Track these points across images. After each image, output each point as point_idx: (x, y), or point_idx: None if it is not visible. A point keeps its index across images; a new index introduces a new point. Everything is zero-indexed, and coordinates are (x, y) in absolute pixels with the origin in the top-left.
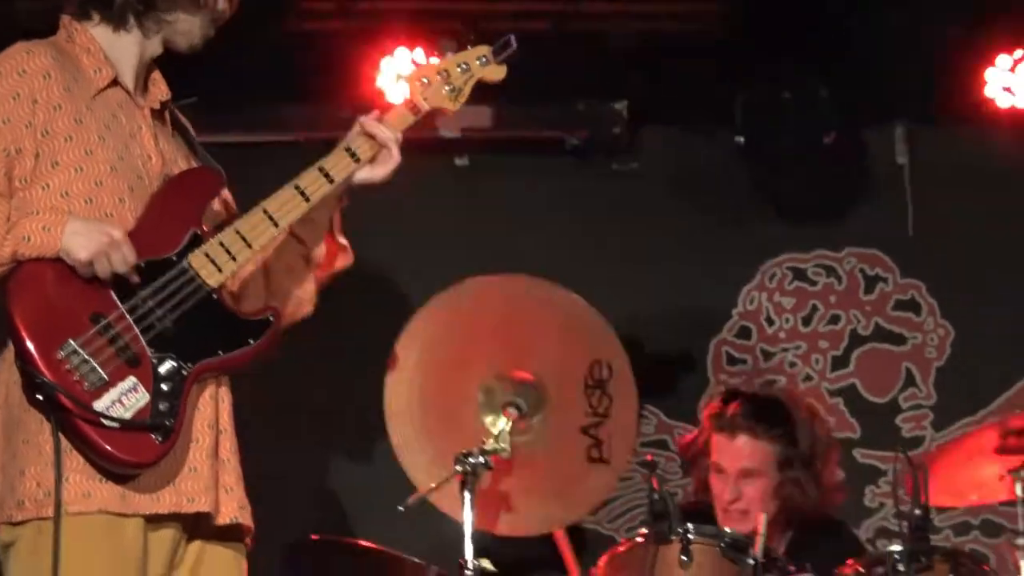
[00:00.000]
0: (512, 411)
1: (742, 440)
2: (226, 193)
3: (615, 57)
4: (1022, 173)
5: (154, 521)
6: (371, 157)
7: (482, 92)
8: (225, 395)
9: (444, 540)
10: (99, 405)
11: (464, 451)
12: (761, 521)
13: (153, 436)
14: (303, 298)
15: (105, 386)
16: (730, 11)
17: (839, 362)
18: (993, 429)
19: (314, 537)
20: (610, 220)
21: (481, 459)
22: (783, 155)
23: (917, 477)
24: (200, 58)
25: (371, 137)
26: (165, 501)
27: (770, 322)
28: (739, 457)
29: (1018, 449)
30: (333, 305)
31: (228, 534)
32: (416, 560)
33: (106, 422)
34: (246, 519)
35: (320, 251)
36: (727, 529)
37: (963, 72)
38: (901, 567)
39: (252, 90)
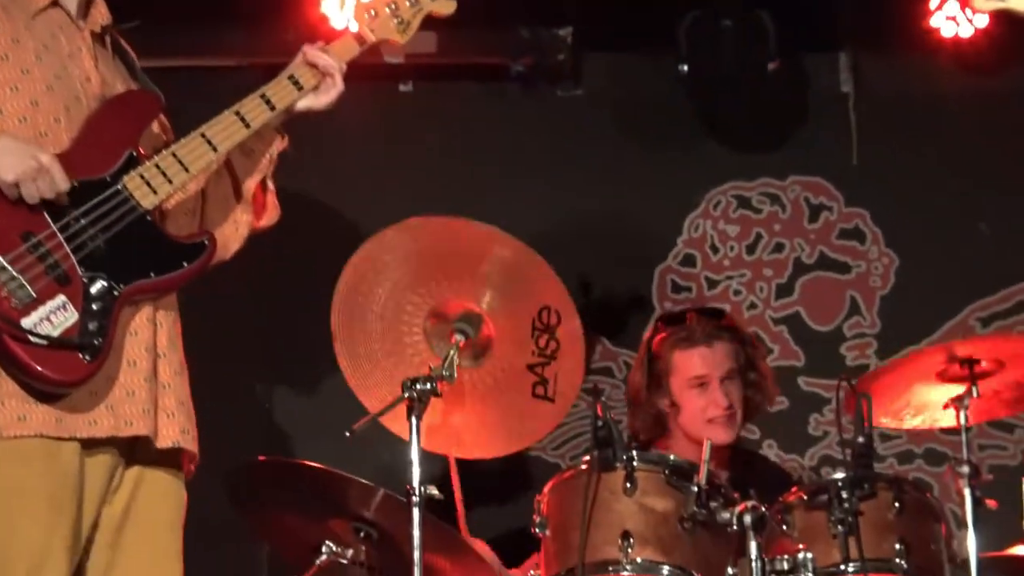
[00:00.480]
0: (459, 337)
1: (718, 346)
2: (163, 118)
3: None
4: (965, 101)
5: (91, 446)
6: (314, 86)
7: (427, 19)
8: (164, 319)
9: (393, 466)
10: (27, 322)
11: (412, 377)
12: (705, 448)
13: (81, 355)
14: (229, 235)
15: (34, 303)
16: None
17: (783, 290)
18: (938, 352)
19: (261, 458)
20: (554, 147)
21: (428, 385)
22: (727, 83)
23: (861, 405)
24: None
25: (314, 66)
26: (102, 425)
27: (715, 250)
28: (722, 362)
29: (961, 378)
30: (281, 232)
31: (168, 459)
32: (364, 482)
33: (33, 339)
34: (188, 444)
35: (252, 184)
36: (671, 456)
37: (908, 1)
38: (844, 494)
39: (195, 14)
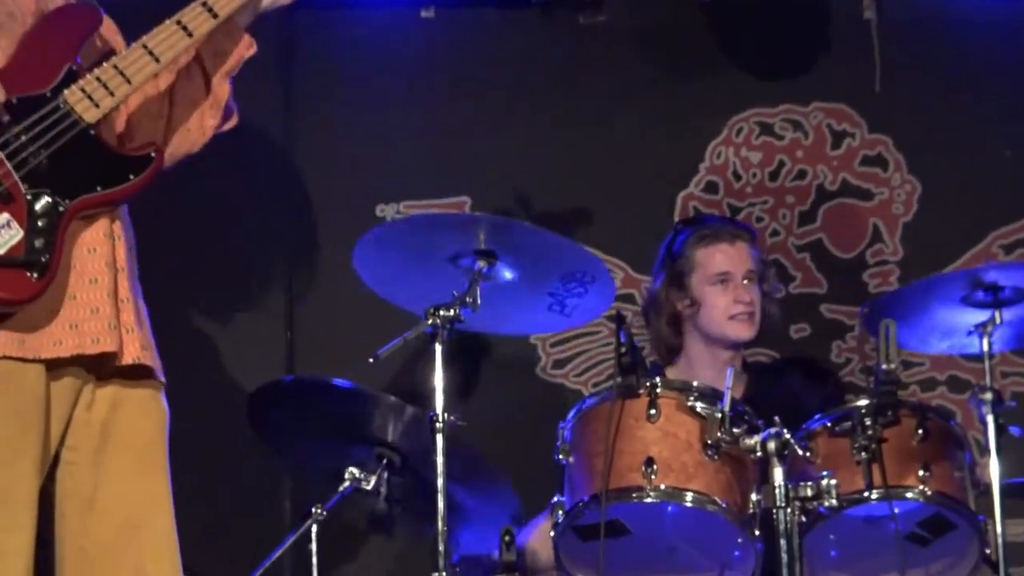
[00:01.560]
0: (481, 263)
1: (740, 245)
2: (113, 33)
3: None
4: (989, 27)
5: (55, 367)
6: None
7: None
8: (121, 232)
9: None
10: None
11: (435, 305)
12: (729, 375)
13: (28, 273)
14: (195, 135)
15: None
16: None
17: (806, 217)
18: (961, 278)
19: (288, 377)
20: (576, 74)
21: (451, 311)
22: (749, 9)
23: (884, 331)
24: None
25: None
26: (67, 344)
27: (737, 177)
28: (745, 259)
29: (985, 304)
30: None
31: (140, 375)
32: (393, 398)
33: None
34: (148, 360)
35: (223, 85)
36: (695, 382)
37: None
38: (868, 421)
39: None
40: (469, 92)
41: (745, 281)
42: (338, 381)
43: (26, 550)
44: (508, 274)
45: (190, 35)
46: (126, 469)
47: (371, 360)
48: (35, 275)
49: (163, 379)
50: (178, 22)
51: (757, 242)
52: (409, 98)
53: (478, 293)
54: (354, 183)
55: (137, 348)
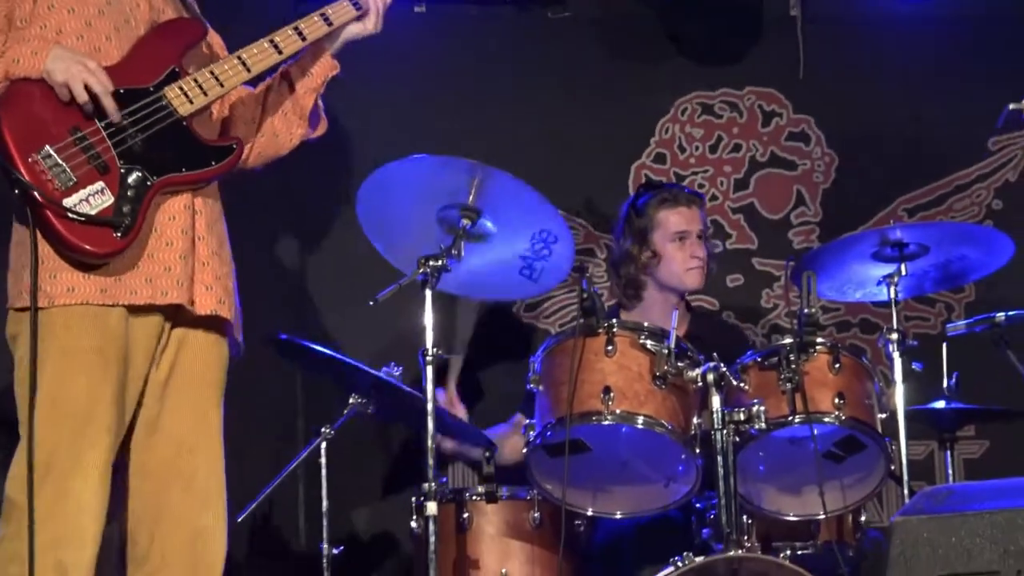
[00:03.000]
0: (465, 222)
1: (694, 209)
2: (218, 43)
3: None
4: (896, 23)
5: (136, 312)
6: (346, 22)
7: None
8: (203, 207)
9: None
10: (67, 202)
11: (426, 255)
12: (674, 316)
13: (114, 232)
14: (283, 140)
15: (75, 187)
16: None
17: (740, 184)
18: (872, 236)
19: (282, 336)
20: (544, 62)
21: (439, 261)
22: (693, 6)
23: (805, 281)
24: None
25: (355, 3)
26: (141, 294)
27: (682, 149)
28: (697, 221)
29: (892, 259)
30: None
31: (208, 325)
32: (365, 367)
33: (71, 216)
34: (224, 312)
35: (307, 101)
36: (645, 323)
37: None
38: (792, 357)
39: None
40: (453, 75)
41: (698, 239)
42: (319, 348)
43: (103, 465)
44: (490, 225)
45: (280, 52)
46: (184, 400)
47: (371, 303)
48: (119, 234)
49: (238, 335)
50: (271, 40)
51: (704, 206)
52: (401, 81)
53: (462, 246)
54: (353, 151)
55: (213, 302)
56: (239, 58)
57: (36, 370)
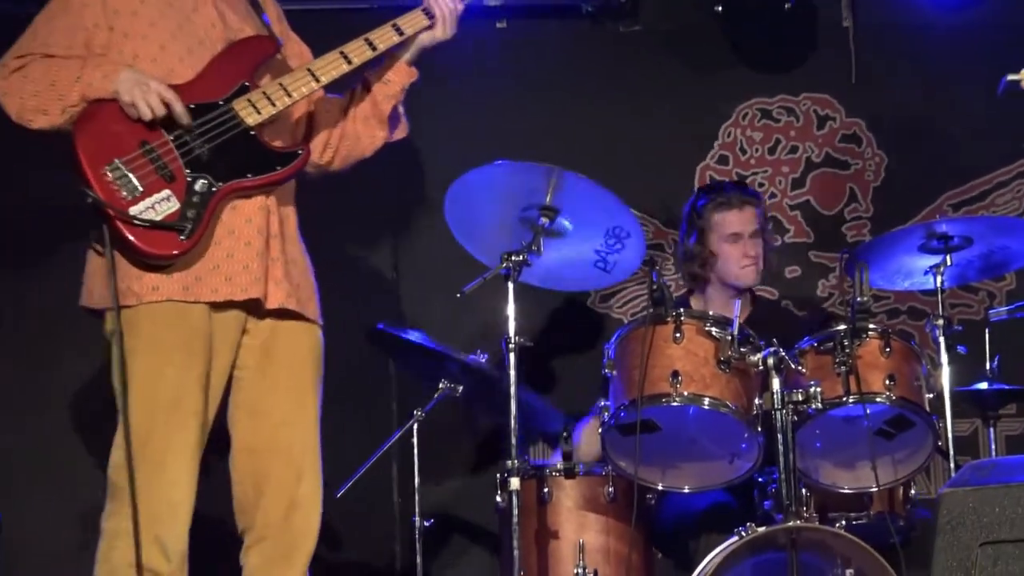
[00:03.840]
0: (544, 220)
1: (748, 210)
2: (299, 52)
3: None
4: (940, 32)
5: (219, 308)
6: (416, 32)
7: None
8: (276, 207)
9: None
10: (133, 210)
11: (509, 250)
12: (736, 305)
13: (179, 235)
14: (365, 143)
15: (142, 195)
16: None
17: (797, 183)
18: (920, 230)
19: (379, 326)
20: (618, 71)
21: (521, 256)
22: (753, 19)
23: (859, 272)
24: None
25: (427, 12)
26: (221, 291)
27: (743, 152)
28: (751, 221)
29: (937, 250)
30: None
31: (292, 314)
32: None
33: (137, 222)
34: (292, 305)
35: (387, 107)
36: (710, 312)
37: None
38: (845, 342)
39: None
40: (532, 86)
41: (751, 238)
42: (413, 337)
43: (191, 448)
44: (567, 223)
45: (349, 63)
46: (282, 380)
47: (459, 295)
48: (183, 237)
49: (317, 320)
50: (341, 52)
51: (761, 204)
52: (484, 91)
53: (541, 242)
54: (441, 156)
55: (282, 296)
56: (308, 70)
57: (125, 363)
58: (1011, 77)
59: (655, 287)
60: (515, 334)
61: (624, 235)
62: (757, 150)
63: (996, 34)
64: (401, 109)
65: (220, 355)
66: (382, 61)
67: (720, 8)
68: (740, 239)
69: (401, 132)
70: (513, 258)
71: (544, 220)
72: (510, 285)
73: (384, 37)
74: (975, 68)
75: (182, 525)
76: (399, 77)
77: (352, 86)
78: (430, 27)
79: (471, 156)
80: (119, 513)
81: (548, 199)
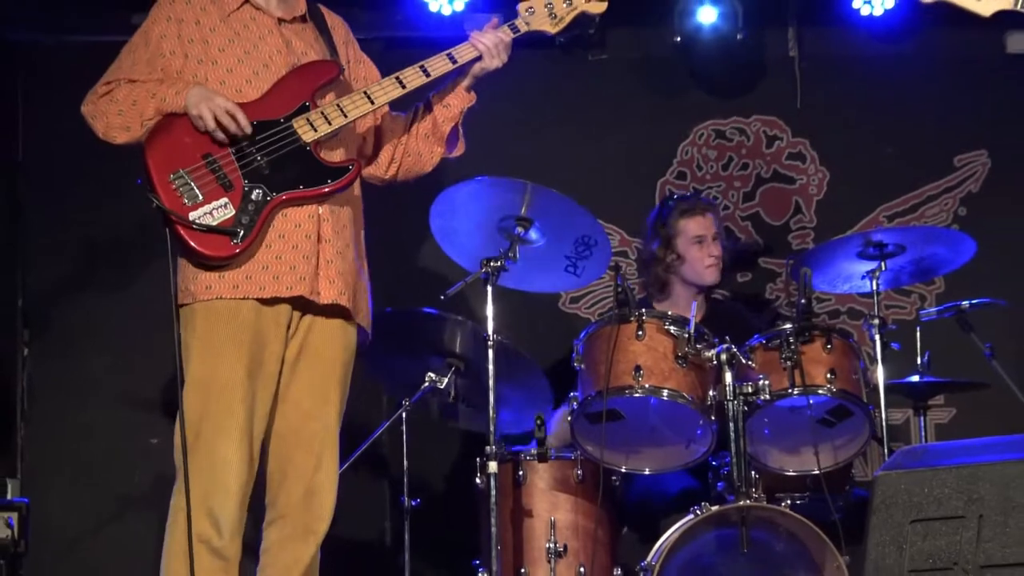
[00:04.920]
0: (519, 229)
1: (709, 216)
2: (365, 75)
3: None
4: (875, 61)
5: (267, 303)
6: (469, 60)
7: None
8: (330, 215)
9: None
10: (192, 215)
11: (487, 256)
12: (693, 307)
13: (231, 239)
14: (426, 159)
15: (201, 202)
16: None
17: (748, 196)
18: (858, 238)
19: (388, 310)
20: (587, 95)
21: (499, 262)
22: (709, 48)
23: (803, 276)
24: None
25: (475, 47)
26: (268, 289)
27: (699, 168)
28: (712, 226)
29: (874, 257)
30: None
31: (335, 313)
32: (458, 318)
33: (195, 226)
34: (344, 302)
35: (446, 128)
36: (669, 312)
37: None
38: (791, 340)
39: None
40: (510, 108)
41: (714, 241)
42: (426, 309)
43: (241, 430)
44: (535, 236)
45: (403, 87)
46: (309, 376)
47: (442, 297)
48: (236, 241)
49: (363, 324)
50: (396, 77)
51: (718, 212)
52: (467, 116)
53: (517, 250)
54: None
55: (334, 294)
56: (365, 92)
57: (182, 357)
58: None
59: (620, 290)
60: (493, 332)
61: (592, 243)
62: (712, 167)
63: (924, 64)
64: (460, 129)
65: (269, 346)
66: (444, 84)
67: (679, 39)
68: (704, 241)
69: (459, 150)
70: (492, 263)
71: (520, 229)
72: (489, 288)
73: (438, 66)
74: (907, 94)
75: (233, 502)
76: (458, 101)
77: (416, 106)
78: (480, 58)
79: (454, 172)
80: (180, 491)
81: (523, 211)
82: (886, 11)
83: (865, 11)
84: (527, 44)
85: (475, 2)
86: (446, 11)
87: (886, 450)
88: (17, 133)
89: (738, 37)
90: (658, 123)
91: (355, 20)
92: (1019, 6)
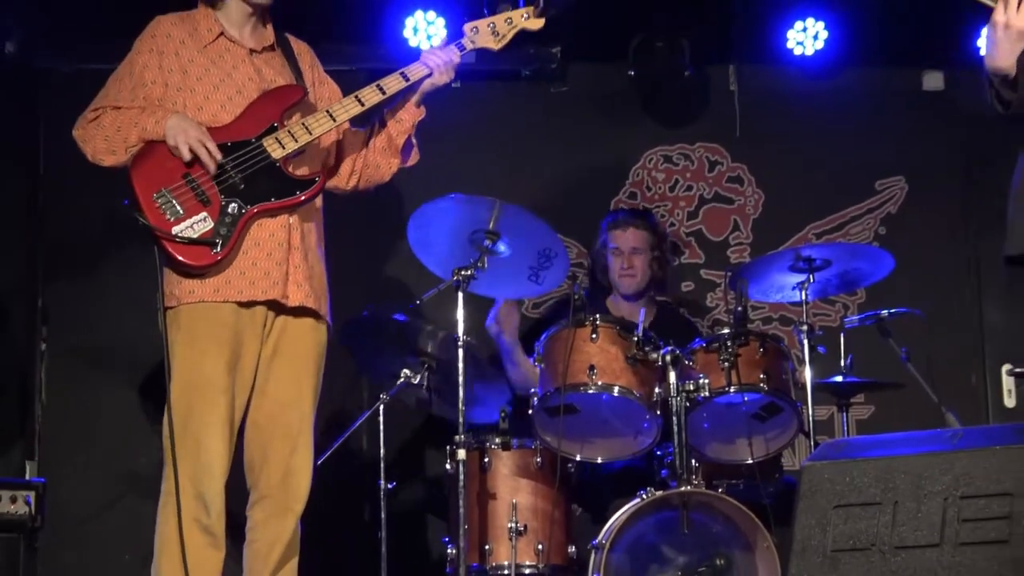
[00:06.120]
0: (487, 242)
1: (631, 231)
2: (328, 94)
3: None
4: (806, 95)
5: (244, 306)
6: (420, 78)
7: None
8: (298, 225)
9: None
10: (175, 229)
11: (459, 266)
12: (641, 313)
13: (211, 249)
14: (384, 170)
15: (182, 217)
16: None
17: (692, 215)
18: (789, 253)
19: (365, 313)
20: (549, 123)
21: (469, 271)
22: (659, 83)
23: (739, 287)
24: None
25: (426, 65)
26: (246, 293)
27: (648, 189)
28: (631, 240)
29: (803, 270)
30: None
31: (306, 313)
32: (429, 327)
33: (178, 239)
34: (311, 304)
35: (399, 140)
36: (622, 317)
37: (772, 32)
38: (729, 343)
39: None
40: (481, 134)
41: (632, 255)
42: (398, 316)
43: (222, 422)
44: (503, 247)
45: (362, 105)
46: (285, 369)
47: (418, 302)
48: (216, 251)
49: (327, 319)
50: (356, 96)
51: (655, 228)
52: (443, 137)
53: (486, 260)
54: (409, 190)
55: (301, 297)
56: (328, 111)
57: (169, 356)
58: None
59: (576, 297)
60: (463, 334)
61: (552, 254)
62: (660, 188)
63: (849, 98)
64: (414, 140)
65: (247, 344)
66: (396, 101)
67: (632, 73)
68: (621, 254)
69: (413, 159)
70: (462, 272)
71: (488, 242)
72: (459, 295)
73: (392, 84)
74: (834, 125)
75: (218, 484)
76: (409, 116)
77: (373, 122)
78: (430, 75)
79: (431, 189)
80: (170, 477)
81: (492, 225)
82: (816, 51)
83: (798, 51)
84: (498, 77)
85: (452, 36)
86: (424, 45)
87: (812, 443)
88: (39, 149)
89: (685, 74)
90: (612, 148)
91: (341, 52)
92: None
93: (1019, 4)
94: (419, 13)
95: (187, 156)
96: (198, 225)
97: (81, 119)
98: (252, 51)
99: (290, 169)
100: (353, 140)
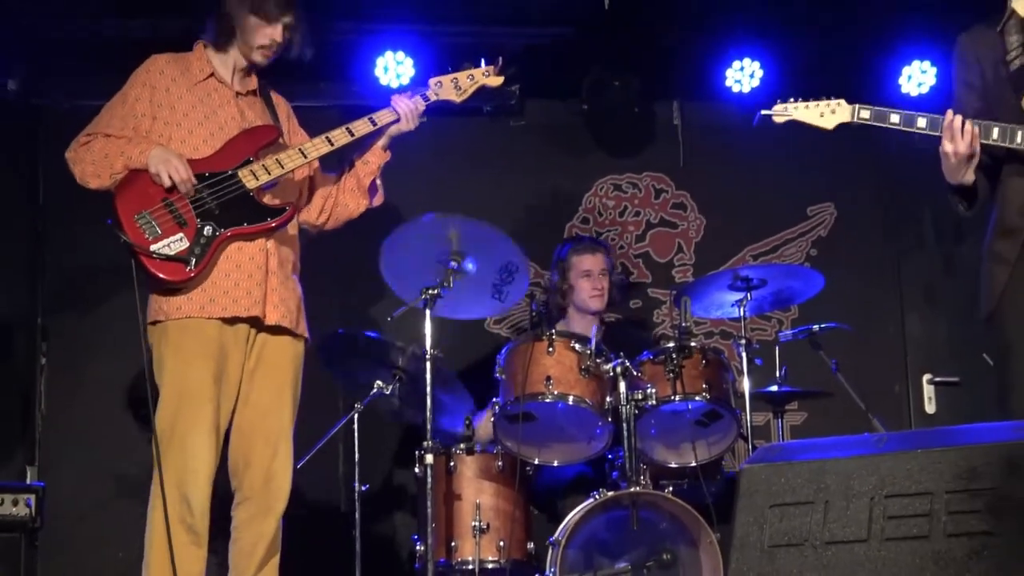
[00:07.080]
0: (453, 263)
1: (598, 254)
2: (299, 139)
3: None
4: (743, 128)
5: (228, 323)
6: (388, 123)
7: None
8: (275, 250)
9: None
10: (153, 247)
11: (427, 284)
12: (594, 330)
13: (186, 266)
14: (352, 208)
15: (160, 236)
16: (583, 38)
17: (639, 238)
18: (728, 273)
19: (340, 331)
20: (509, 154)
21: (436, 290)
22: (610, 117)
23: (683, 304)
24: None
25: (395, 111)
26: (229, 310)
27: (600, 214)
28: (599, 263)
29: (742, 288)
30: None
31: (285, 331)
32: (399, 344)
33: (155, 256)
34: (286, 323)
35: (366, 181)
36: (576, 331)
37: (712, 72)
38: (674, 356)
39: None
40: (447, 164)
41: (600, 276)
42: (369, 333)
43: (208, 426)
44: (471, 266)
45: (332, 144)
46: (266, 381)
47: (389, 319)
48: (189, 268)
49: (304, 335)
50: (326, 136)
51: (610, 253)
52: (413, 168)
53: (452, 280)
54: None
55: (277, 315)
56: (300, 149)
57: (157, 367)
58: (764, 112)
59: (534, 314)
60: (430, 348)
61: (514, 268)
62: (610, 213)
63: (783, 131)
64: (379, 182)
65: (232, 357)
66: (364, 144)
67: (586, 107)
68: (591, 275)
69: (379, 200)
70: (430, 291)
71: (454, 262)
72: (427, 312)
73: (360, 127)
74: (768, 156)
75: (203, 486)
76: (376, 158)
77: (342, 165)
78: (397, 121)
79: (403, 216)
80: (156, 480)
81: (455, 245)
82: (752, 88)
83: (736, 88)
84: (461, 113)
85: (420, 77)
86: (394, 84)
87: (750, 446)
88: (39, 180)
89: (634, 110)
90: (566, 177)
91: (315, 89)
92: (855, 118)
93: (961, 135)
94: (389, 53)
95: (167, 182)
96: (174, 244)
97: (74, 142)
98: (238, 94)
99: (264, 199)
100: (324, 181)
